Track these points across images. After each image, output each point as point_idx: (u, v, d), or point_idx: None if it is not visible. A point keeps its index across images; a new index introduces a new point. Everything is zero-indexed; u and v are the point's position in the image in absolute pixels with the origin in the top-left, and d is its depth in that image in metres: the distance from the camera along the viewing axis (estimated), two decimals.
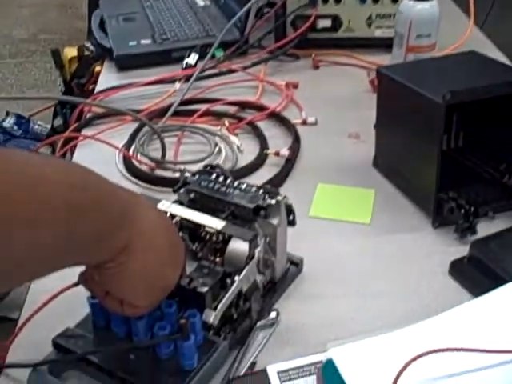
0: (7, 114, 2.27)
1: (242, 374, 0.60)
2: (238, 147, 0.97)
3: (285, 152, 0.92)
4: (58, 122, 2.07)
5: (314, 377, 0.59)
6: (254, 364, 0.61)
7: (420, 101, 0.76)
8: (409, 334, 0.60)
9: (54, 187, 0.43)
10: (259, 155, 0.94)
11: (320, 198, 0.86)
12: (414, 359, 0.56)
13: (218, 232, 0.63)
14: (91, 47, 1.65)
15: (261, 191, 0.67)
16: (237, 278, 0.61)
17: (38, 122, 2.29)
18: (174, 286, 0.57)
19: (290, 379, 0.59)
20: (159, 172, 0.93)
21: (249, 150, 0.97)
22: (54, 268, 0.47)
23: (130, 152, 0.96)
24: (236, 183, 0.68)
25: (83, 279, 0.57)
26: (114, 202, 0.50)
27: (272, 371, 0.59)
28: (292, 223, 0.68)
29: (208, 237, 0.64)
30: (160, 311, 0.59)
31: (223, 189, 0.67)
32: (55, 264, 0.46)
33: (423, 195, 0.80)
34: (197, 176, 0.70)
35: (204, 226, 0.64)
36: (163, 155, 0.95)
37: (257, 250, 0.63)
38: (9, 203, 0.39)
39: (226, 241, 0.63)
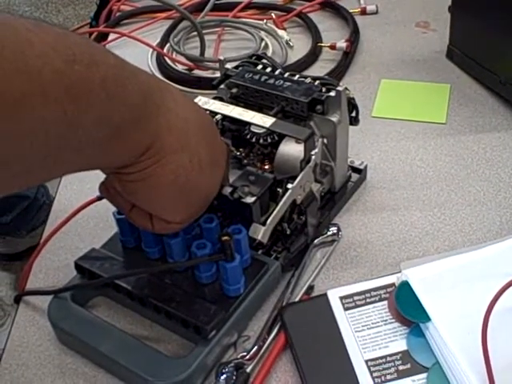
0: None
1: (297, 299, 0.54)
2: (286, 42, 0.89)
3: (342, 44, 0.84)
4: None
5: (384, 303, 0.52)
6: (311, 288, 0.55)
7: None
8: (496, 252, 0.54)
9: (43, 58, 0.32)
10: (312, 49, 0.87)
11: (384, 95, 0.78)
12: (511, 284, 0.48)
13: (267, 132, 0.54)
14: None
15: (317, 82, 0.58)
16: (289, 185, 0.53)
17: None
18: (215, 195, 0.49)
19: (356, 306, 0.53)
20: (197, 72, 0.85)
21: (299, 46, 0.89)
22: (54, 170, 0.37)
23: (165, 50, 0.88)
24: (286, 74, 0.60)
25: (104, 189, 0.47)
26: (133, 85, 0.39)
27: (333, 296, 0.53)
28: (355, 121, 0.60)
29: (254, 139, 0.56)
30: (198, 228, 0.53)
31: (271, 81, 0.59)
32: (52, 166, 0.36)
33: None
34: (240, 68, 0.62)
35: (249, 126, 0.55)
36: (202, 53, 0.86)
37: (313, 153, 0.54)
38: None
39: (276, 143, 0.55)
